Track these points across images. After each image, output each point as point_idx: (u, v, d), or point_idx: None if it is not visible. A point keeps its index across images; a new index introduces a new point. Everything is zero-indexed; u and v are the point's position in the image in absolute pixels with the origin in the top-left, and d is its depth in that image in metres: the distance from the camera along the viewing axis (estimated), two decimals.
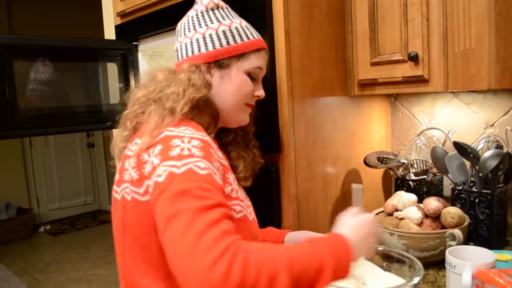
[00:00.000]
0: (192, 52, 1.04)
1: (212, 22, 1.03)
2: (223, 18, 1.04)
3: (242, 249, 0.69)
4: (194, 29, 1.04)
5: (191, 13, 1.08)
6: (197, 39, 1.03)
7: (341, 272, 0.81)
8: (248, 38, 1.05)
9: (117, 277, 1.03)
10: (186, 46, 1.05)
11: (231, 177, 0.99)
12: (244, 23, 1.08)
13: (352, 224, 0.91)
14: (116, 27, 1.93)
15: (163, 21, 1.62)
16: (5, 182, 5.39)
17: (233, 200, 0.96)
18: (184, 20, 1.08)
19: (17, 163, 5.59)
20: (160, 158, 0.84)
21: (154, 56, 1.88)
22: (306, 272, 0.74)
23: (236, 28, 1.04)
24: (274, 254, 0.73)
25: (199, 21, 1.04)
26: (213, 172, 0.85)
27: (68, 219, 5.98)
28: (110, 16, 2.09)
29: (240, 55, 1.03)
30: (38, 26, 5.28)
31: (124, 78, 1.88)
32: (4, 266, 4.43)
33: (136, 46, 1.87)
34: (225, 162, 0.99)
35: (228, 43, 1.02)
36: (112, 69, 1.93)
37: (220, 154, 0.98)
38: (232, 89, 1.04)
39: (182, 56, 1.06)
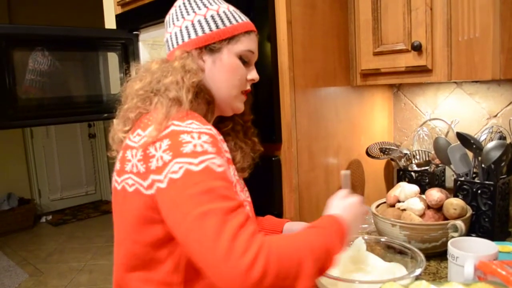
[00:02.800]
0: (182, 39, 1.03)
1: (199, 9, 1.03)
2: (210, 4, 1.04)
3: (272, 247, 0.77)
4: (183, 17, 1.04)
5: (178, 2, 1.08)
6: (186, 27, 1.03)
7: (343, 248, 0.91)
8: (236, 21, 1.05)
9: None
10: (176, 35, 1.05)
11: (232, 169, 0.99)
12: (232, 7, 1.08)
13: (343, 205, 1.00)
14: (117, 16, 1.92)
15: (164, 10, 1.59)
16: (7, 172, 5.40)
17: None
18: (172, 10, 1.08)
19: (19, 153, 5.59)
20: (171, 154, 0.84)
21: (155, 45, 1.87)
22: (322, 255, 0.84)
23: (224, 12, 1.04)
24: (296, 244, 0.82)
25: (186, 9, 1.04)
26: (227, 168, 0.88)
27: (69, 210, 5.99)
28: (111, 5, 2.07)
29: (230, 38, 1.03)
30: (38, 15, 5.26)
31: (125, 68, 1.87)
32: (6, 256, 4.45)
33: (137, 35, 1.85)
34: (228, 154, 0.99)
35: (217, 27, 1.02)
36: (113, 59, 1.92)
37: (225, 146, 0.97)
38: (225, 73, 1.04)
39: (173, 45, 1.06)
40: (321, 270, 0.84)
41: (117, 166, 0.96)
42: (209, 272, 0.75)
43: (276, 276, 0.74)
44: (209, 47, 1.03)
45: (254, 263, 0.72)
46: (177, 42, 1.05)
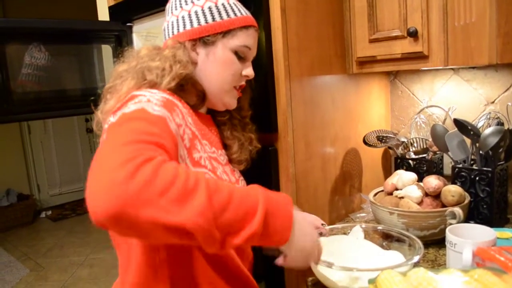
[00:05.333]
0: (178, 29, 1.02)
1: None
2: None
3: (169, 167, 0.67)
4: (181, 6, 1.03)
5: None
6: (183, 17, 1.02)
7: (274, 226, 0.77)
8: (235, 14, 1.02)
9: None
10: (172, 24, 1.04)
11: (198, 145, 0.94)
12: (232, 0, 1.05)
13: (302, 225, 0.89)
14: (110, 8, 1.90)
15: (157, 1, 1.59)
16: (5, 168, 5.40)
17: (202, 168, 0.92)
18: None
19: (17, 149, 5.59)
20: (117, 108, 0.83)
21: (149, 37, 1.85)
22: (230, 206, 0.70)
23: (222, 4, 1.02)
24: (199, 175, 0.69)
25: None
26: (169, 119, 0.81)
27: (69, 204, 6.00)
28: None
29: (226, 32, 1.01)
30: (30, 9, 5.23)
31: (118, 53, 1.85)
32: (7, 252, 4.45)
33: (130, 27, 1.83)
34: (195, 130, 0.94)
35: (213, 19, 1.00)
36: (107, 51, 1.90)
37: (190, 120, 0.92)
38: (217, 67, 1.02)
39: (168, 34, 1.05)
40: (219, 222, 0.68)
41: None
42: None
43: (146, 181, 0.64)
44: (203, 39, 1.01)
45: (125, 164, 0.65)
46: (172, 32, 1.04)
